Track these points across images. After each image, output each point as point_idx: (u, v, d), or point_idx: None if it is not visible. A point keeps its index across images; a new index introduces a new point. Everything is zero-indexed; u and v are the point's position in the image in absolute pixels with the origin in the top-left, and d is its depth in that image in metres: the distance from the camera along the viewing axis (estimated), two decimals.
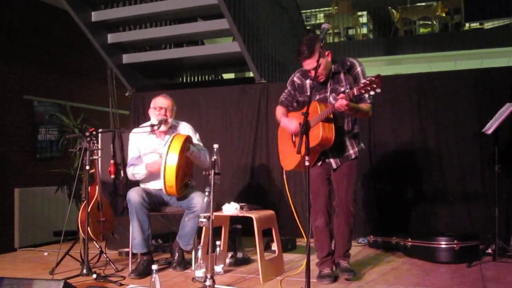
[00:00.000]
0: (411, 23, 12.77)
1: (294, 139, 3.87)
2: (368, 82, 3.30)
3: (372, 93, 3.30)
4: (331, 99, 3.73)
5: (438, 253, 4.39)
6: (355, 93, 3.41)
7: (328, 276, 3.76)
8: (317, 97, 3.79)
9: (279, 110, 3.99)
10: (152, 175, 4.29)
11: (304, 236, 3.84)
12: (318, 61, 3.47)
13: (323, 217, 3.84)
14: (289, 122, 3.82)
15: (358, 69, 3.75)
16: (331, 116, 3.61)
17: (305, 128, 3.19)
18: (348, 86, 3.69)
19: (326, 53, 3.67)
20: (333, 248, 3.92)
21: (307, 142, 3.19)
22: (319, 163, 3.84)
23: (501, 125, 4.37)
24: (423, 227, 5.29)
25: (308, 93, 3.78)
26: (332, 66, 3.76)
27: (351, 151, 3.83)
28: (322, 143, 3.59)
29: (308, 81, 3.84)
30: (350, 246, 3.93)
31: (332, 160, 3.83)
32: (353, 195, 3.88)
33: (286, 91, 4.01)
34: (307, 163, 3.16)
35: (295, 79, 3.95)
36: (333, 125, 3.62)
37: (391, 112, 5.56)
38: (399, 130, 5.56)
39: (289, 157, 3.92)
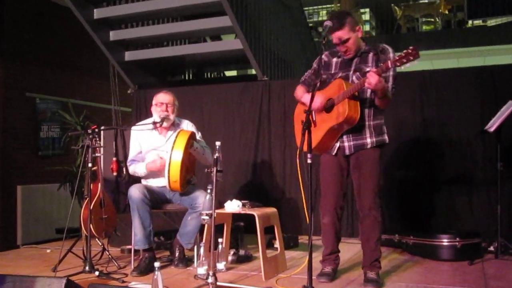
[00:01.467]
0: (414, 20, 12.76)
1: (314, 118, 3.62)
2: (403, 54, 3.19)
3: (407, 65, 3.19)
4: (354, 78, 3.57)
5: (440, 250, 4.40)
6: (389, 66, 3.29)
7: (327, 274, 3.69)
8: (340, 74, 3.62)
9: (300, 89, 3.80)
10: (153, 173, 4.30)
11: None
12: (348, 33, 3.44)
13: (330, 217, 3.69)
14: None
15: (391, 54, 3.51)
16: (357, 94, 3.46)
17: (308, 126, 3.14)
18: (375, 68, 3.51)
19: (357, 27, 3.56)
20: (338, 248, 3.81)
21: (309, 138, 3.16)
22: (334, 151, 3.65)
23: (503, 122, 4.36)
24: (425, 224, 5.29)
25: (333, 71, 3.67)
26: (363, 45, 3.62)
27: (368, 140, 3.60)
28: (347, 121, 3.44)
29: (335, 59, 3.70)
30: (378, 255, 3.66)
31: (346, 145, 3.63)
32: (377, 198, 3.63)
33: (310, 69, 3.85)
34: (309, 161, 3.14)
35: (323, 56, 3.75)
36: (358, 104, 3.47)
37: (393, 110, 5.52)
38: (402, 127, 5.54)
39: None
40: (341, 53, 3.65)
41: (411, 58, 3.16)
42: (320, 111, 3.58)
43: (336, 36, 3.50)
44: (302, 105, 3.79)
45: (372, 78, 3.27)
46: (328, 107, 3.54)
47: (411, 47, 3.18)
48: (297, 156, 3.68)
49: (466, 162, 5.30)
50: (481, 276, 3.85)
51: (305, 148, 3.13)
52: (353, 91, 3.42)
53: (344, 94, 3.42)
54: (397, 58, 3.23)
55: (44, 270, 4.23)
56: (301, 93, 3.78)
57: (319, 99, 3.54)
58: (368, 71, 3.43)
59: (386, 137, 3.70)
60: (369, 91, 3.54)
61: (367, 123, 3.60)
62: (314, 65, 3.84)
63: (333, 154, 3.67)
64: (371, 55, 3.59)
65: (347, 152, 3.64)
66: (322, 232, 3.80)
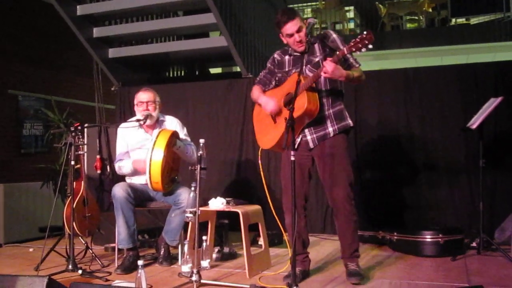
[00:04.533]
0: (398, 18, 12.79)
1: (273, 116, 3.70)
2: (358, 39, 3.16)
3: (363, 50, 3.17)
4: (306, 71, 3.57)
5: (423, 246, 4.44)
6: (345, 52, 3.26)
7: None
8: (293, 70, 3.63)
9: (256, 90, 3.85)
10: (137, 172, 4.28)
11: (283, 231, 3.86)
12: (300, 23, 3.52)
13: (291, 217, 3.46)
14: (267, 102, 3.66)
15: (333, 35, 3.59)
16: (314, 85, 3.46)
17: (291, 123, 3.11)
18: (322, 56, 3.55)
19: (305, 21, 3.61)
20: (307, 250, 3.78)
21: (293, 136, 3.14)
22: (295, 146, 3.53)
23: (485, 120, 4.40)
24: (409, 221, 5.33)
25: (286, 69, 3.72)
26: (308, 38, 3.60)
27: (330, 129, 3.58)
28: (306, 113, 3.42)
29: (287, 57, 3.75)
30: (356, 246, 3.64)
31: (309, 138, 3.60)
32: (349, 192, 3.55)
33: (265, 69, 3.91)
34: (292, 158, 3.11)
35: (275, 55, 3.85)
36: (317, 95, 3.47)
37: (377, 107, 5.58)
38: (385, 125, 5.58)
39: (268, 135, 3.72)
40: (291, 50, 3.70)
41: (366, 42, 3.16)
42: (278, 112, 3.61)
43: (289, 26, 3.53)
44: (259, 106, 3.84)
45: (328, 66, 3.28)
46: (287, 102, 3.54)
47: (365, 32, 3.19)
48: (259, 156, 3.75)
49: (449, 159, 5.35)
50: (463, 271, 3.88)
51: (274, 148, 3.10)
52: (310, 83, 3.44)
53: (302, 87, 3.40)
54: (352, 44, 3.22)
55: (26, 269, 4.20)
56: (258, 94, 3.81)
57: (272, 103, 3.61)
58: (317, 61, 3.53)
59: (349, 121, 3.68)
60: (323, 81, 3.57)
61: (326, 112, 3.59)
62: (268, 64, 3.90)
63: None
64: (316, 45, 3.64)
65: (311, 145, 3.61)
66: (288, 232, 3.72)
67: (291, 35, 3.57)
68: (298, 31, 3.53)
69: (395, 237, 4.68)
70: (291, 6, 12.27)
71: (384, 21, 12.52)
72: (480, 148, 4.45)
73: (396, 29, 12.67)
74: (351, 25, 13.64)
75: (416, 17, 12.70)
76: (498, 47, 10.65)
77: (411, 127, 5.50)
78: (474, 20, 12.42)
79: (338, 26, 13.17)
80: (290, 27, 3.54)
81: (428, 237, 4.43)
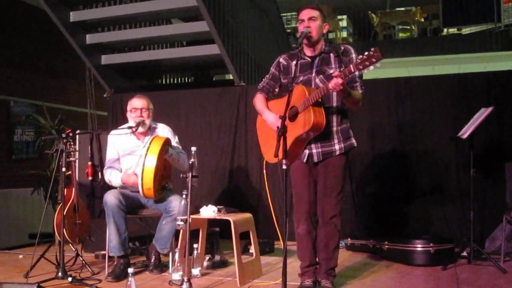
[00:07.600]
0: (390, 28, 12.90)
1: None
2: (366, 57, 3.03)
3: (371, 68, 3.05)
4: (317, 81, 3.45)
5: (414, 256, 4.44)
6: (352, 70, 3.12)
7: (307, 287, 3.54)
8: (301, 78, 3.49)
9: (259, 99, 3.71)
10: (125, 187, 4.29)
11: (281, 240, 3.85)
12: (318, 15, 3.44)
13: (305, 225, 3.53)
14: (273, 123, 3.50)
15: (353, 55, 3.45)
16: (320, 100, 3.31)
17: (283, 132, 3.05)
18: (338, 70, 3.35)
19: (325, 24, 3.54)
20: (316, 259, 3.64)
21: (284, 144, 3.08)
22: (304, 158, 3.53)
23: (476, 129, 4.43)
24: (400, 230, 5.34)
25: (293, 75, 3.49)
26: (323, 45, 3.52)
27: (336, 146, 3.49)
28: (313, 129, 3.30)
29: (294, 62, 3.55)
30: (334, 264, 3.56)
31: (314, 152, 3.50)
32: (339, 205, 3.51)
33: (268, 75, 3.74)
34: (284, 167, 3.06)
35: (281, 60, 3.67)
36: (323, 109, 3.34)
37: (369, 116, 5.60)
38: (377, 134, 5.60)
39: (274, 148, 3.56)
40: (302, 54, 3.52)
41: (374, 60, 3.02)
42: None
43: (305, 12, 3.45)
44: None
45: (335, 84, 3.15)
46: (291, 116, 3.42)
47: (372, 49, 3.03)
48: (264, 166, 3.67)
49: (440, 168, 5.37)
50: (453, 280, 3.90)
51: (280, 155, 3.07)
52: (317, 98, 3.29)
53: (308, 101, 3.30)
54: (359, 61, 3.10)
55: (16, 276, 4.16)
56: (262, 107, 3.67)
57: (274, 119, 3.48)
58: (331, 73, 3.38)
59: (353, 140, 3.60)
60: (334, 97, 3.48)
61: (334, 128, 3.51)
62: (272, 69, 3.73)
63: (304, 161, 3.55)
64: (332, 56, 3.51)
65: (315, 159, 3.52)
66: (297, 244, 3.65)
67: (301, 21, 3.45)
68: (311, 18, 3.43)
69: (386, 246, 4.69)
70: (284, 14, 12.40)
71: (377, 30, 12.62)
72: (470, 158, 4.48)
73: (388, 39, 12.77)
74: (344, 34, 13.73)
75: (408, 27, 12.81)
76: (489, 57, 10.73)
77: (402, 136, 5.53)
78: (465, 30, 12.53)
79: (331, 35, 13.25)
80: (306, 12, 3.45)
81: (418, 246, 4.44)
